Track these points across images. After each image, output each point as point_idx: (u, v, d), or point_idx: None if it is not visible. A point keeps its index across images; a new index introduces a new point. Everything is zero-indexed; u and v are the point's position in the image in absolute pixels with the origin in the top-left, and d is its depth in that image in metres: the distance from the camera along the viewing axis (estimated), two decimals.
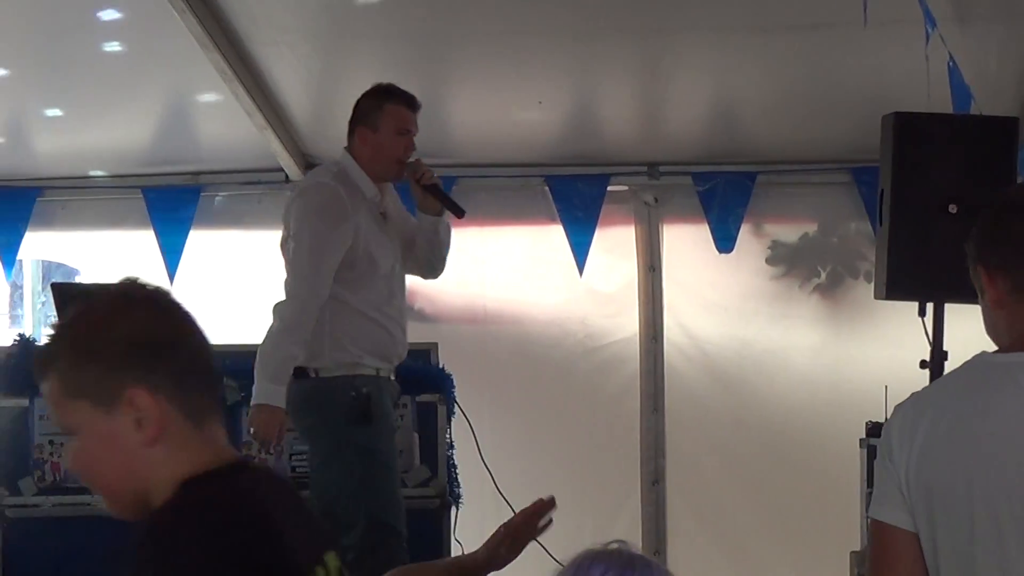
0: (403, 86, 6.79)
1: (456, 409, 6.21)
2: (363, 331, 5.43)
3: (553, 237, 7.36)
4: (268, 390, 5.31)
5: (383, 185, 5.58)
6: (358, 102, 5.57)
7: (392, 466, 5.49)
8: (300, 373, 5.41)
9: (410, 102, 5.49)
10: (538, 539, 6.19)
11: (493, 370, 7.45)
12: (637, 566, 2.39)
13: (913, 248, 5.34)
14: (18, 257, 7.76)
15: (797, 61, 6.45)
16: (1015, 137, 5.40)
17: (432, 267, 5.86)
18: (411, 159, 5.54)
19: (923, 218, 5.30)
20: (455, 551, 6.05)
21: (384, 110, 5.45)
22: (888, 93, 6.10)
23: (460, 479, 6.23)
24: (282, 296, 5.46)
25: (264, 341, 5.38)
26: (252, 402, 5.36)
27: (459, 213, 5.67)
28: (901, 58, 5.74)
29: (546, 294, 7.53)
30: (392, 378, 5.60)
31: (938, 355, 5.43)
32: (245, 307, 7.54)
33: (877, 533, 2.86)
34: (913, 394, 2.96)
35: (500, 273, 7.56)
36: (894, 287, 5.42)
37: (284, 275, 5.53)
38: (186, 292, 7.48)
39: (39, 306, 10.05)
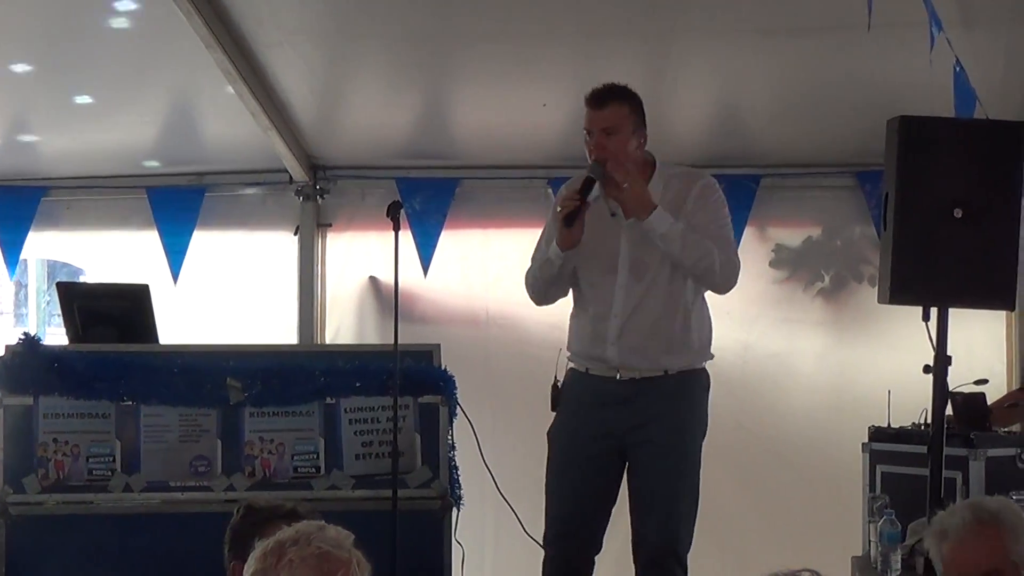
0: (407, 87, 6.83)
1: (458, 411, 6.21)
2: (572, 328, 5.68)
3: None
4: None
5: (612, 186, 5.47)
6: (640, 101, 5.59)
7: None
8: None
9: (590, 101, 5.45)
10: (538, 541, 6.22)
11: (495, 372, 7.45)
12: None
13: (918, 252, 5.33)
14: (22, 256, 7.76)
15: (801, 64, 6.44)
16: (1022, 142, 5.39)
17: None
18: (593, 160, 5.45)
19: (928, 222, 5.29)
20: (456, 553, 6.05)
21: None
22: (893, 97, 6.08)
23: (461, 481, 6.23)
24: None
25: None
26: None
27: None
28: (907, 62, 5.73)
29: None
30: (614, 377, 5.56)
31: (942, 360, 5.42)
32: (249, 308, 7.56)
33: None
34: None
35: (503, 275, 7.55)
36: (898, 291, 5.41)
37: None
38: (190, 292, 7.50)
39: (43, 305, 10.07)
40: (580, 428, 5.56)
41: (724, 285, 5.53)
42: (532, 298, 5.72)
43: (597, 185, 5.37)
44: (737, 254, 5.62)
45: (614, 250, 5.47)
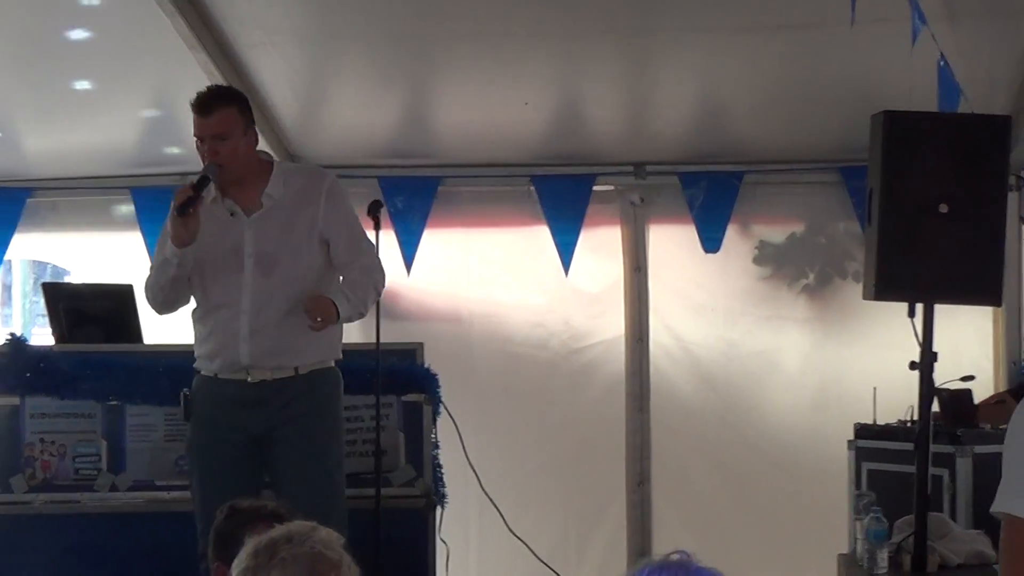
0: (388, 87, 6.82)
1: (441, 409, 6.20)
2: (194, 333, 5.40)
3: (538, 237, 7.36)
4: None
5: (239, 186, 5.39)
6: None
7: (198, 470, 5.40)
8: None
9: (197, 108, 5.28)
10: (523, 540, 6.21)
11: (478, 370, 7.45)
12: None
13: (902, 248, 5.32)
14: (7, 257, 7.74)
15: (784, 60, 6.45)
16: (1007, 135, 5.40)
17: None
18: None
19: (913, 218, 5.29)
20: (440, 551, 6.05)
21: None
22: (877, 92, 6.10)
23: (445, 479, 6.22)
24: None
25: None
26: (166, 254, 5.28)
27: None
28: (890, 57, 5.74)
29: (531, 294, 7.53)
30: (250, 380, 5.33)
31: (928, 356, 5.42)
32: None
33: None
34: None
35: (485, 273, 7.56)
36: (883, 288, 5.41)
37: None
38: None
39: (27, 305, 10.05)
40: (215, 433, 5.36)
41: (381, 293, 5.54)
42: (154, 308, 5.44)
43: (212, 186, 5.28)
44: (378, 255, 5.53)
45: (239, 247, 5.33)
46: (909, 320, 5.42)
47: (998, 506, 2.83)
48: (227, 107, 5.28)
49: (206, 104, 5.26)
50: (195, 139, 5.29)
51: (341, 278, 5.41)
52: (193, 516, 5.26)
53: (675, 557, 2.48)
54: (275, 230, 5.32)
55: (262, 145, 7.00)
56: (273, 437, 5.32)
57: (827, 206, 7.29)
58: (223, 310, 5.31)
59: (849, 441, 6.31)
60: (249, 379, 5.31)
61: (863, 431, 6.29)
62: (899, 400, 6.10)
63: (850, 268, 7.20)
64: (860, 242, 6.72)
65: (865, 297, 5.62)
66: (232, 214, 5.35)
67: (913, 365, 5.42)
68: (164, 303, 5.39)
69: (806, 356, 7.34)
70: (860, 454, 6.23)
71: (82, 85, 6.72)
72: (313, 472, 5.31)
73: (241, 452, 5.31)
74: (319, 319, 5.16)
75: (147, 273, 5.42)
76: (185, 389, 5.34)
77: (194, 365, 5.36)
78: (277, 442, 5.31)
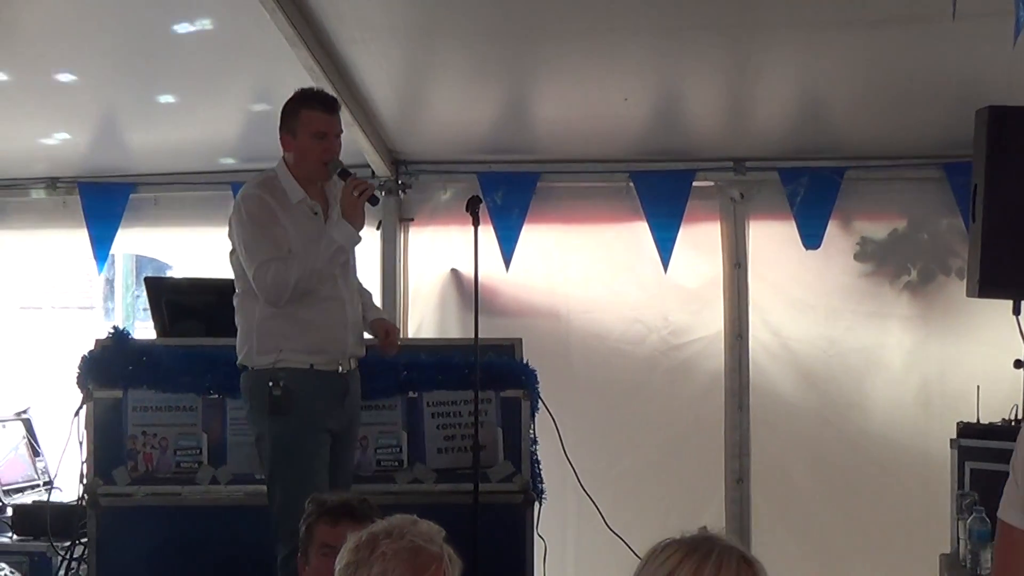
0: (487, 82, 6.82)
1: (540, 405, 6.21)
2: (284, 327, 5.40)
3: (637, 232, 7.34)
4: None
5: (328, 187, 5.59)
6: (282, 108, 5.59)
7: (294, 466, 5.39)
8: (240, 367, 5.48)
9: (326, 105, 5.49)
10: (620, 535, 6.20)
11: (576, 366, 7.45)
12: (697, 553, 2.41)
13: (1007, 245, 5.27)
14: (110, 252, 7.85)
15: (886, 55, 6.36)
16: None
17: None
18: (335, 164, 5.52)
19: (1018, 214, 5.23)
20: (537, 547, 6.06)
21: (300, 115, 5.47)
22: (980, 87, 6.01)
23: (543, 475, 6.23)
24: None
25: (274, 281, 5.32)
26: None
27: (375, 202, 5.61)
28: (993, 51, 5.65)
29: (630, 290, 7.51)
30: (343, 371, 5.50)
31: None
32: None
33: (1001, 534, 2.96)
34: None
35: (584, 269, 7.56)
36: (987, 285, 5.35)
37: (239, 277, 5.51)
38: None
39: (129, 299, 10.20)
40: (315, 426, 5.41)
41: None
42: (283, 299, 5.36)
43: (298, 185, 5.48)
44: None
45: None
46: (1014, 318, 5.35)
47: (999, 512, 2.98)
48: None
49: (334, 102, 5.52)
50: (312, 134, 5.45)
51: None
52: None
53: (693, 532, 2.47)
54: None
55: (363, 142, 7.11)
56: (344, 427, 5.53)
57: (929, 202, 7.21)
58: (330, 303, 5.46)
59: (952, 440, 6.22)
60: (340, 369, 5.46)
61: (966, 430, 6.20)
62: (1003, 398, 6.02)
63: (953, 265, 7.11)
64: (963, 238, 6.64)
65: (969, 294, 5.56)
66: (315, 212, 5.51)
67: (1018, 363, 5.36)
68: (304, 292, 5.40)
69: (908, 353, 7.26)
70: (963, 453, 6.14)
71: (184, 82, 6.80)
72: (352, 463, 5.67)
73: (328, 446, 5.43)
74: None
75: (260, 265, 5.34)
76: (271, 383, 5.33)
77: (275, 359, 5.37)
78: (345, 431, 5.53)
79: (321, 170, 5.50)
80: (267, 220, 5.37)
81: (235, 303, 5.55)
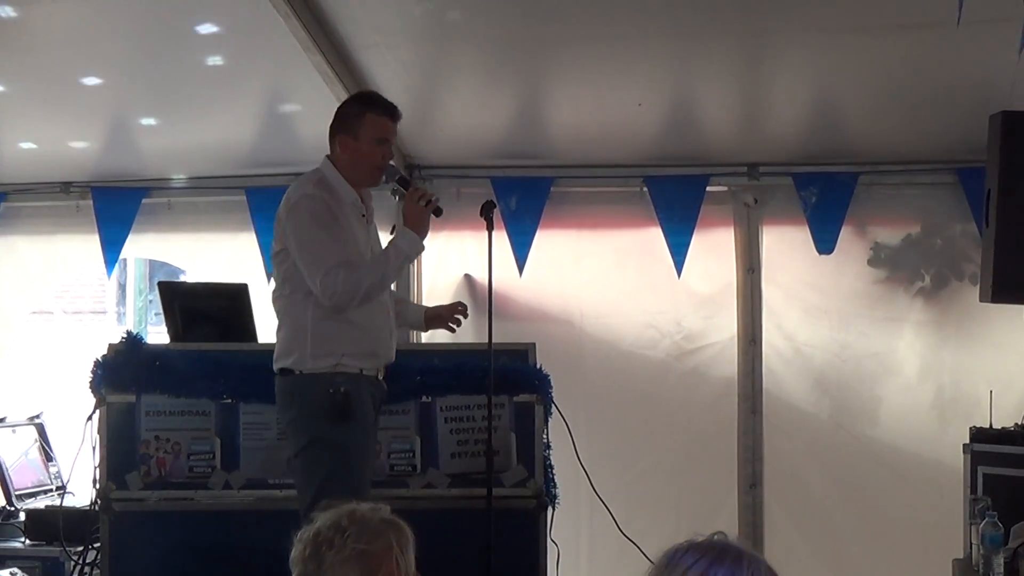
0: (501, 87, 6.82)
1: (553, 410, 6.20)
2: (342, 331, 5.38)
3: (651, 238, 7.34)
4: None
5: (364, 190, 5.59)
6: (340, 109, 5.57)
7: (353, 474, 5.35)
8: (285, 371, 5.40)
9: (391, 112, 5.49)
10: (634, 541, 6.19)
11: (590, 371, 7.44)
12: (728, 557, 2.36)
13: (1021, 250, 5.25)
14: (121, 256, 7.86)
15: (900, 61, 6.36)
16: None
17: None
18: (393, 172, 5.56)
19: None
20: (551, 552, 6.05)
21: (365, 119, 5.45)
22: (994, 92, 5.99)
23: (556, 480, 6.22)
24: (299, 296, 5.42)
25: (345, 287, 5.28)
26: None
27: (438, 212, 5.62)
28: (1008, 56, 5.63)
29: (643, 295, 7.51)
30: (380, 378, 5.54)
31: None
32: None
33: None
34: None
35: (597, 274, 7.55)
36: (1001, 290, 5.33)
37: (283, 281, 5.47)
38: None
39: (140, 304, 10.20)
40: (369, 433, 5.44)
41: None
42: (354, 303, 5.32)
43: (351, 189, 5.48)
44: None
45: (376, 247, 5.59)
46: None
47: None
48: None
49: (397, 110, 5.51)
50: (375, 139, 5.45)
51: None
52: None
53: (712, 538, 2.43)
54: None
55: None
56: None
57: (943, 207, 7.20)
58: (378, 307, 5.48)
59: (965, 445, 6.22)
60: (380, 376, 5.49)
61: (979, 435, 6.20)
62: (1016, 403, 6.02)
63: (967, 270, 7.10)
64: (977, 244, 6.63)
65: (982, 299, 5.55)
66: (363, 216, 5.53)
67: None
68: (368, 298, 5.40)
69: (922, 359, 7.26)
70: (976, 458, 6.14)
71: (197, 87, 6.81)
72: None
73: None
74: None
75: (330, 270, 5.27)
76: (332, 388, 5.29)
77: (335, 363, 5.35)
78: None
79: (375, 175, 5.49)
80: (331, 223, 5.32)
81: (278, 305, 5.47)
